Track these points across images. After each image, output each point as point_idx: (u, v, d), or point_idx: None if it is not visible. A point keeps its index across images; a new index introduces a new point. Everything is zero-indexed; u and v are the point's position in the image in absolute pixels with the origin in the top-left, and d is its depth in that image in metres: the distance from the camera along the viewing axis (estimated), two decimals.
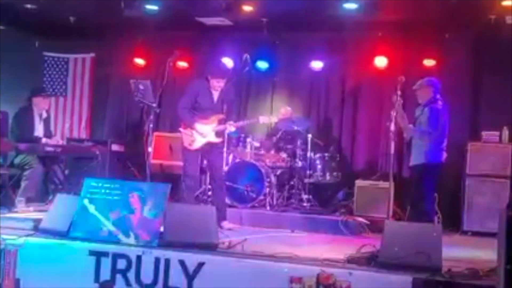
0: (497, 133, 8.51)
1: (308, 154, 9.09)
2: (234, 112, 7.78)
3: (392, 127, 7.00)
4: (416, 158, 7.41)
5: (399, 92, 7.13)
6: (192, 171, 7.53)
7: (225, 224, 7.41)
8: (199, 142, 7.48)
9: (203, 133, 7.47)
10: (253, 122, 8.21)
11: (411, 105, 7.71)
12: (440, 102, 7.36)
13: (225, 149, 9.19)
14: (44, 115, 8.72)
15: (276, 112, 10.23)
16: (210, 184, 8.11)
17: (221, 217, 7.27)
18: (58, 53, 11.59)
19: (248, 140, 9.24)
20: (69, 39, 10.94)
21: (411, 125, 7.40)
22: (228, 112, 7.63)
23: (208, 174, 8.26)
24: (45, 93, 8.82)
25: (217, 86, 7.48)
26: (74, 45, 11.36)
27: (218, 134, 7.59)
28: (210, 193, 8.37)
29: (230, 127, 7.63)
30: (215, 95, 7.54)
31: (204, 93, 7.53)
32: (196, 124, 7.45)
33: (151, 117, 7.49)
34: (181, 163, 9.03)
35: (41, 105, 8.58)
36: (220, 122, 7.57)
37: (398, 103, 7.13)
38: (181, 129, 7.58)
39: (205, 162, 8.13)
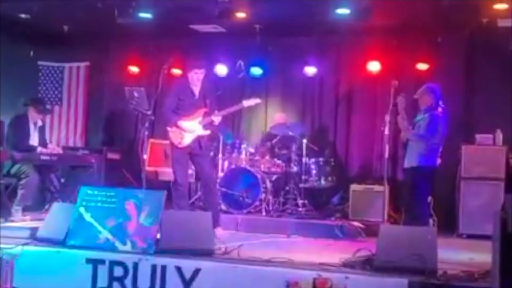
0: (491, 135, 8.53)
1: (303, 159, 9.10)
2: (216, 107, 7.72)
3: (387, 131, 7.03)
4: (410, 160, 7.44)
5: (403, 94, 7.18)
6: (183, 177, 7.51)
7: (218, 230, 7.36)
8: (188, 138, 7.47)
9: (190, 128, 7.47)
10: (238, 108, 8.09)
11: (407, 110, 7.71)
12: (440, 109, 7.39)
13: (220, 155, 9.22)
14: (39, 123, 8.71)
15: (270, 118, 10.28)
16: (201, 190, 8.09)
17: (214, 223, 7.25)
18: (53, 62, 11.57)
19: (243, 146, 9.24)
20: (63, 48, 10.94)
21: (410, 128, 7.44)
22: (211, 106, 7.63)
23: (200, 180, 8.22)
24: (40, 109, 8.71)
25: (195, 79, 7.49)
26: (68, 54, 11.35)
27: (206, 126, 7.59)
28: (202, 198, 8.34)
29: (216, 118, 7.60)
30: (196, 90, 7.57)
31: (185, 90, 7.56)
32: (181, 122, 7.44)
33: (146, 124, 7.51)
34: None
35: (35, 117, 8.56)
36: (205, 115, 7.57)
37: (401, 104, 7.19)
38: (168, 128, 7.57)
39: (193, 168, 8.11)
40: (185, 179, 7.62)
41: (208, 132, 7.62)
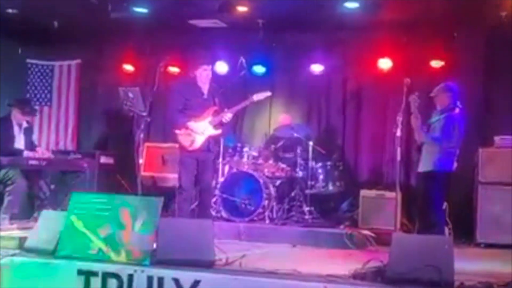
0: (510, 137, 8.51)
1: (309, 163, 9.09)
2: (225, 105, 7.72)
3: (398, 133, 7.01)
4: (425, 164, 7.41)
5: (416, 93, 7.17)
6: (187, 182, 7.52)
7: None
8: (199, 139, 7.50)
9: (201, 129, 7.48)
10: (248, 103, 8.08)
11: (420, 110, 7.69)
12: (457, 110, 7.37)
13: (220, 159, 9.21)
14: (25, 125, 8.69)
15: (274, 120, 10.27)
16: (198, 196, 8.09)
17: None
18: (42, 60, 11.60)
19: (245, 149, 9.24)
20: (53, 45, 10.96)
21: (424, 129, 7.42)
22: (220, 105, 7.64)
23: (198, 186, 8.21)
24: (25, 111, 8.70)
25: (204, 76, 7.51)
26: (58, 51, 11.37)
27: (217, 126, 7.61)
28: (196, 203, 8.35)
29: (227, 115, 7.60)
30: (205, 88, 7.58)
31: (193, 89, 7.57)
32: (191, 123, 7.46)
33: (142, 126, 7.51)
34: (174, 175, 9.01)
35: (19, 118, 8.55)
36: (215, 114, 7.58)
37: (414, 103, 7.17)
38: (177, 131, 7.56)
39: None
40: (190, 184, 7.64)
41: (219, 131, 7.66)
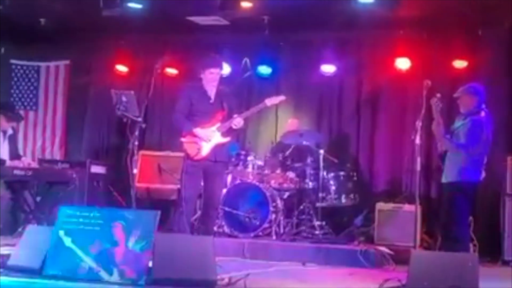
0: None
1: (320, 173, 9.08)
2: (236, 113, 7.71)
3: (418, 140, 6.99)
4: (449, 174, 7.38)
5: (438, 95, 7.15)
6: (191, 194, 7.53)
7: None
8: (206, 148, 7.50)
9: (208, 137, 7.48)
10: (260, 108, 8.05)
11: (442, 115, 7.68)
12: (483, 113, 7.35)
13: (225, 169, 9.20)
14: (9, 131, 8.71)
15: (281, 125, 10.26)
16: (202, 210, 8.08)
17: None
18: (27, 61, 11.63)
19: (250, 158, 9.23)
20: (40, 44, 10.99)
21: (448, 136, 7.40)
22: (229, 109, 7.64)
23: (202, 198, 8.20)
24: (10, 116, 8.72)
25: (211, 79, 7.52)
26: (46, 51, 11.41)
27: (225, 133, 7.60)
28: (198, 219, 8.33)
29: (237, 121, 7.59)
30: (212, 94, 7.59)
31: (200, 94, 7.58)
32: (197, 130, 7.47)
33: (136, 133, 7.49)
34: (172, 187, 9.02)
35: (4, 125, 8.57)
36: (223, 120, 7.58)
37: (436, 107, 7.15)
38: (182, 139, 7.57)
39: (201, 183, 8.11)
40: (194, 196, 7.64)
41: (227, 139, 7.66)
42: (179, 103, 7.66)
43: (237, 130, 7.84)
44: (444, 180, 7.48)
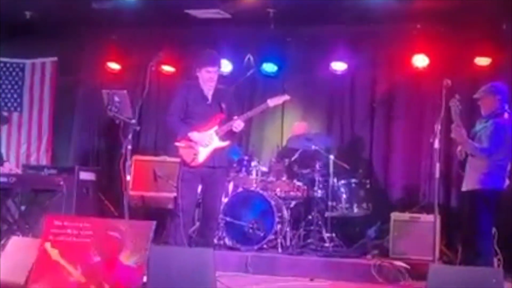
0: None
1: (330, 180, 9.08)
2: (235, 114, 7.69)
3: (437, 144, 6.99)
4: (471, 182, 7.39)
5: (457, 96, 7.15)
6: (188, 203, 7.52)
7: None
8: (203, 153, 7.47)
9: (205, 141, 7.46)
10: (262, 109, 8.02)
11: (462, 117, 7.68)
12: (506, 115, 7.35)
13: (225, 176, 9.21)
14: None
15: (287, 128, 10.27)
16: (200, 220, 8.08)
17: None
18: (11, 58, 11.64)
19: (253, 163, 9.24)
20: (25, 39, 11.00)
21: (468, 139, 7.40)
22: (228, 110, 7.61)
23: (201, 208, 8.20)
24: None
25: (208, 79, 7.50)
26: (31, 47, 11.41)
27: (223, 137, 7.59)
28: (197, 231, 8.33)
29: (236, 124, 7.57)
30: (209, 94, 7.57)
31: (196, 94, 7.56)
32: (193, 134, 7.45)
33: (130, 136, 7.49)
34: (168, 195, 9.02)
35: None
36: (222, 122, 7.56)
37: (455, 109, 7.15)
38: (177, 143, 7.56)
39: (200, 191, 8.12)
40: (191, 206, 7.63)
41: (226, 143, 7.63)
42: (173, 104, 7.63)
43: (237, 134, 7.84)
44: (464, 188, 7.48)
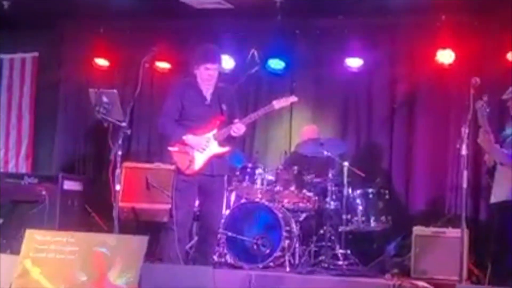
0: None
1: (344, 190, 9.08)
2: (237, 117, 7.69)
3: (464, 150, 7.00)
4: (501, 193, 7.40)
5: (485, 98, 7.15)
6: (184, 215, 7.53)
7: None
8: (200, 160, 7.47)
9: (201, 145, 7.46)
10: (266, 111, 8.01)
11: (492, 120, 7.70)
12: None
13: (225, 185, 9.23)
14: None
15: (296, 132, 10.28)
16: (198, 235, 8.11)
17: None
18: None
19: (258, 171, 9.23)
20: (2, 32, 11.02)
21: (497, 146, 7.41)
22: (229, 112, 7.61)
23: (199, 221, 8.22)
24: None
25: (207, 77, 7.50)
26: (9, 41, 11.43)
27: (223, 142, 7.59)
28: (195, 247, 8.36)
29: (236, 127, 7.56)
30: (208, 94, 7.58)
31: (193, 93, 7.55)
32: (188, 137, 7.45)
33: (120, 141, 7.53)
34: (163, 206, 9.03)
35: None
36: (221, 125, 7.57)
37: (482, 112, 7.15)
38: (170, 148, 7.57)
39: (197, 202, 8.14)
40: (187, 219, 7.63)
41: (226, 149, 7.63)
42: (167, 104, 7.62)
43: (239, 138, 7.83)
44: (493, 199, 7.50)
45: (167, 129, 7.60)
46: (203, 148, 7.45)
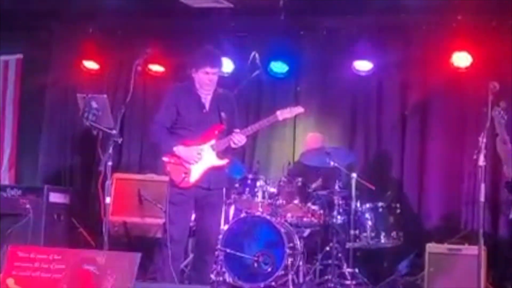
0: None
1: (352, 204, 9.09)
2: (238, 126, 7.65)
3: (482, 161, 6.99)
4: None
5: (503, 104, 7.15)
6: (179, 231, 7.51)
7: None
8: (196, 172, 7.43)
9: (193, 158, 7.43)
10: (270, 122, 7.99)
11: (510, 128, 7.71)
12: None
13: (224, 198, 9.22)
14: None
15: (300, 141, 10.27)
16: (194, 252, 8.10)
17: None
18: None
19: (259, 183, 9.22)
20: None
21: None
22: (229, 121, 7.58)
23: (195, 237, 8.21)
24: None
25: (207, 82, 7.47)
26: None
27: (221, 153, 7.56)
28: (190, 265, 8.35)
29: (236, 138, 7.53)
30: (207, 100, 7.55)
31: (190, 100, 7.50)
32: (179, 148, 7.41)
33: (110, 150, 7.52)
34: (156, 221, 9.03)
35: None
36: (220, 135, 7.54)
37: (500, 119, 7.15)
38: (165, 158, 7.54)
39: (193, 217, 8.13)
40: (182, 234, 7.60)
41: (224, 161, 7.59)
42: (160, 110, 7.57)
43: (237, 148, 7.80)
44: None
45: (156, 138, 7.55)
46: (195, 160, 7.39)
